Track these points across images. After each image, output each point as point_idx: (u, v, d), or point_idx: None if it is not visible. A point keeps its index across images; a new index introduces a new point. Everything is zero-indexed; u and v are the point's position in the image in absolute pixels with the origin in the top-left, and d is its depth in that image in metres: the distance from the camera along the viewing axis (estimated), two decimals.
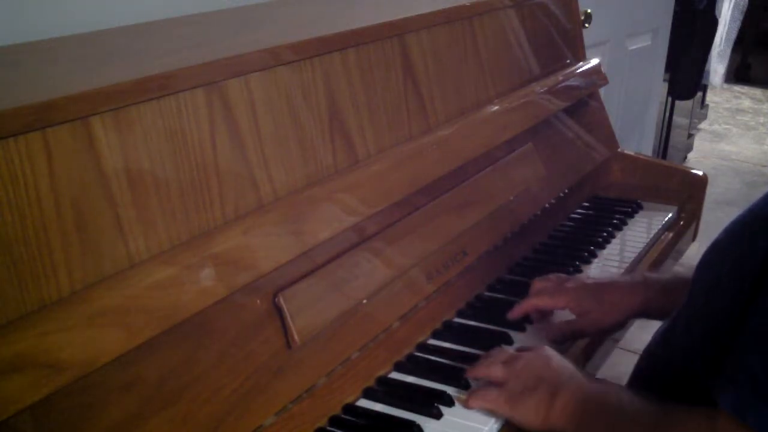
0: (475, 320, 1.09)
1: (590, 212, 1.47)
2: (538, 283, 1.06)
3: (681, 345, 0.83)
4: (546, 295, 1.04)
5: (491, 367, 0.89)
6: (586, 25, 2.00)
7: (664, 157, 3.30)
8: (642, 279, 1.05)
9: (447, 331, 1.06)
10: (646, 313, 1.01)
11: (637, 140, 2.87)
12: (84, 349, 0.64)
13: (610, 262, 1.29)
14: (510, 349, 0.95)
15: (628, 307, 1.01)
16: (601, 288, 1.03)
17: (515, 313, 1.05)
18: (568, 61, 1.53)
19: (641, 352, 0.95)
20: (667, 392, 0.80)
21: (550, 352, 0.89)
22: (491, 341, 1.02)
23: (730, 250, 0.77)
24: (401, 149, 1.04)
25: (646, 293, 1.01)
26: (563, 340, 1.02)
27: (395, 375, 0.97)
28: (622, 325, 1.03)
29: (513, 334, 1.04)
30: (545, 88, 1.36)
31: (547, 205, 1.37)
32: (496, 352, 0.93)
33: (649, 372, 0.90)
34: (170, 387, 0.73)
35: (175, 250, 0.75)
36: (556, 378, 0.85)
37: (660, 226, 1.42)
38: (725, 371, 0.71)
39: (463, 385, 0.93)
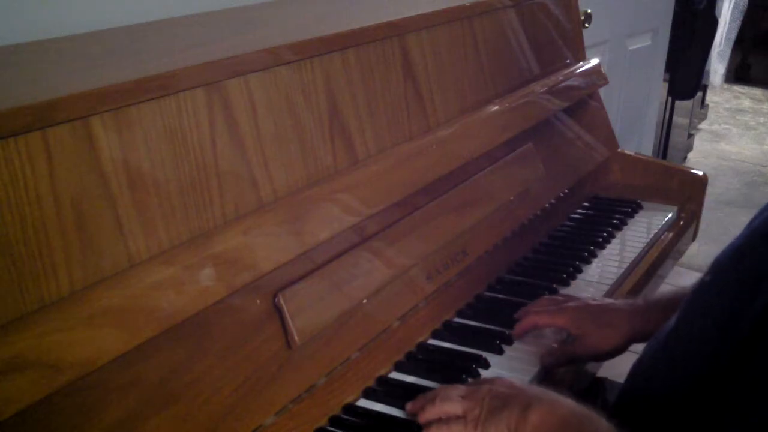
0: (475, 320, 1.09)
1: (590, 212, 1.47)
2: (537, 304, 1.06)
3: (676, 357, 0.82)
4: (546, 313, 1.03)
5: (445, 404, 0.82)
6: (586, 25, 2.00)
7: (664, 157, 3.29)
8: (643, 302, 1.03)
9: (447, 331, 1.06)
10: (648, 336, 1.00)
11: (637, 140, 2.87)
12: (84, 349, 0.64)
13: (610, 262, 1.29)
14: (458, 386, 0.85)
15: (628, 331, 0.99)
16: (602, 309, 1.02)
17: (517, 332, 1.04)
18: (568, 61, 1.53)
19: (636, 359, 0.94)
20: (665, 399, 0.80)
21: (508, 379, 0.84)
22: (491, 341, 1.02)
23: (737, 258, 0.76)
24: (401, 149, 1.04)
25: (647, 316, 1.00)
26: (557, 366, 1.00)
27: (395, 375, 0.97)
28: (621, 350, 1.00)
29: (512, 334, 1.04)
30: (545, 88, 1.36)
31: (547, 205, 1.37)
32: (444, 390, 0.85)
33: (642, 382, 0.90)
34: (170, 387, 0.73)
35: (175, 250, 0.75)
36: (525, 394, 0.79)
37: (660, 226, 1.42)
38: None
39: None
